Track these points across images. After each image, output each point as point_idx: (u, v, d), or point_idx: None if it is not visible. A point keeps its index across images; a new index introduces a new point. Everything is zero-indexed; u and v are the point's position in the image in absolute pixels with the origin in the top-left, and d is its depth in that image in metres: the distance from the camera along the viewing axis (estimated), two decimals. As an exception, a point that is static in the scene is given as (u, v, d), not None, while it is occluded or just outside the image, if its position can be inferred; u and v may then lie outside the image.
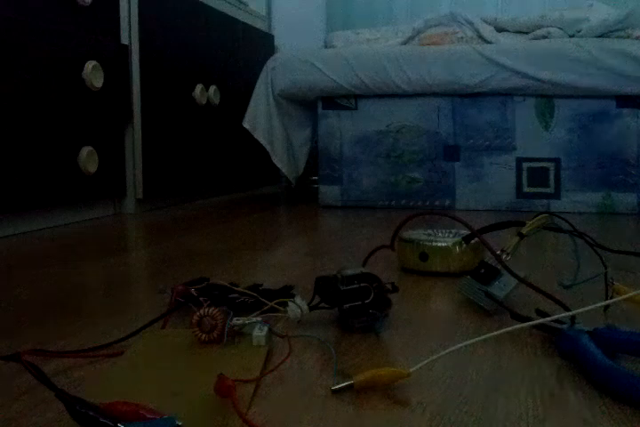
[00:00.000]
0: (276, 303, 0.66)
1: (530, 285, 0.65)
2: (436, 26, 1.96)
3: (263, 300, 0.67)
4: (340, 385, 0.47)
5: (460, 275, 0.84)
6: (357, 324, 0.61)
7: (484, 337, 0.46)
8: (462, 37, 1.89)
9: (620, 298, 0.46)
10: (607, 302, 0.44)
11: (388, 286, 0.63)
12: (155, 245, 1.22)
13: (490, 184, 1.76)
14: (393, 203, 1.83)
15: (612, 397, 0.46)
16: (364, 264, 0.81)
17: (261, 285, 0.74)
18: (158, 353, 0.55)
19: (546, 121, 1.73)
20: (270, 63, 1.89)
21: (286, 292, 0.72)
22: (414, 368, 0.47)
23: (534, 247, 1.10)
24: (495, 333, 0.45)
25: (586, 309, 0.43)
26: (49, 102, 1.36)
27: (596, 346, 0.49)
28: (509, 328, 0.45)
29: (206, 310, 0.56)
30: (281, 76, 1.87)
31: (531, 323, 0.51)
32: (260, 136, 1.91)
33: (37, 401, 0.46)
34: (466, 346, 0.46)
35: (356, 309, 0.61)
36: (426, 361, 0.47)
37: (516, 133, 1.74)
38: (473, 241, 0.88)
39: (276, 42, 2.57)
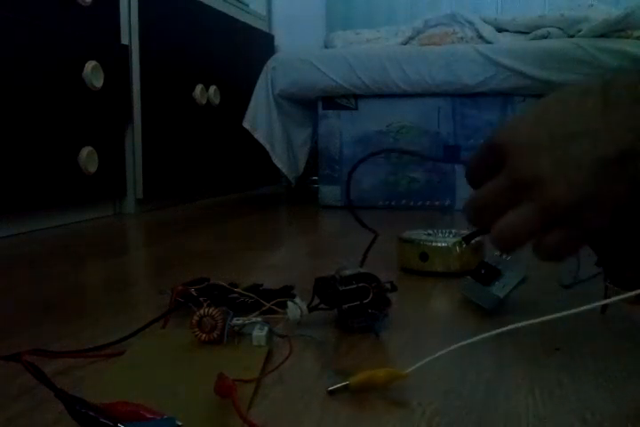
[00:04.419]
0: (276, 304, 0.66)
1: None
2: (435, 26, 1.96)
3: (262, 301, 0.66)
4: (335, 386, 0.47)
5: (460, 275, 0.84)
6: (357, 324, 0.61)
7: (480, 337, 0.46)
8: (462, 37, 1.89)
9: (616, 298, 0.46)
10: (602, 302, 0.44)
11: (387, 286, 0.63)
12: (155, 245, 1.22)
13: (490, 184, 1.76)
14: (393, 203, 1.83)
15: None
16: (361, 264, 0.80)
17: (261, 285, 0.74)
18: (158, 353, 0.55)
19: (546, 121, 1.73)
20: (270, 63, 1.89)
21: (286, 292, 0.72)
22: (411, 369, 0.47)
23: (534, 247, 1.10)
24: (493, 332, 0.45)
25: (582, 309, 0.43)
26: (49, 102, 1.36)
27: None
28: (508, 327, 0.45)
29: (206, 310, 0.56)
30: (281, 76, 1.86)
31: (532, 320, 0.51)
32: (260, 136, 1.91)
33: (37, 401, 0.46)
34: (466, 345, 0.46)
35: (355, 309, 0.61)
36: (423, 362, 0.46)
37: (515, 133, 1.74)
38: (473, 241, 0.88)
39: (276, 42, 2.57)
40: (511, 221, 0.45)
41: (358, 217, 0.68)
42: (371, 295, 0.61)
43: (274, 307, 0.66)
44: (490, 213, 0.46)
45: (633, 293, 0.44)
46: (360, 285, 0.61)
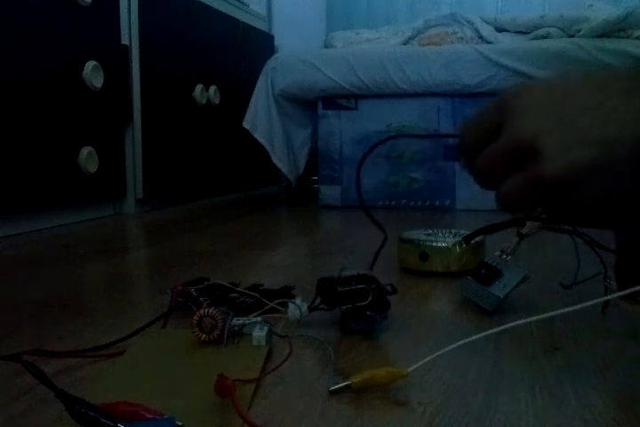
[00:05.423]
0: (276, 304, 0.67)
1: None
2: (435, 26, 1.96)
3: (264, 300, 0.67)
4: (337, 386, 0.47)
5: (460, 275, 0.84)
6: (355, 325, 0.61)
7: (480, 335, 0.46)
8: (462, 37, 1.89)
9: (614, 295, 0.46)
10: (596, 300, 0.44)
11: (388, 288, 0.63)
12: (155, 245, 1.22)
13: (490, 184, 1.75)
14: (393, 203, 1.83)
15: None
16: (371, 267, 0.80)
17: (262, 285, 0.74)
18: (158, 353, 0.55)
19: (546, 121, 1.73)
20: (270, 63, 1.89)
21: (286, 292, 0.72)
22: (412, 368, 0.47)
23: (534, 247, 1.10)
24: (494, 330, 0.45)
25: (580, 306, 0.43)
26: (49, 102, 1.36)
27: None
28: (506, 326, 0.45)
29: (206, 310, 0.56)
30: (281, 76, 1.87)
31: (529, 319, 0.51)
32: (260, 136, 1.91)
33: (37, 401, 0.46)
34: (466, 345, 0.46)
35: (354, 310, 0.60)
36: (424, 361, 0.47)
37: (515, 133, 1.74)
38: (473, 241, 0.88)
39: (276, 42, 2.57)
40: (506, 191, 0.43)
41: (372, 216, 0.67)
42: (370, 297, 0.60)
43: (275, 306, 0.66)
44: (492, 179, 0.44)
45: (631, 289, 0.44)
46: (359, 286, 0.61)
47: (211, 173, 2.03)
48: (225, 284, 0.71)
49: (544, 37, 1.80)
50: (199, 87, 1.91)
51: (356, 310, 0.60)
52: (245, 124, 1.91)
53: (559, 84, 0.43)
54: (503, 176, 0.43)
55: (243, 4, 2.32)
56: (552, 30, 1.79)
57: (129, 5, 1.63)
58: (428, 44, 1.87)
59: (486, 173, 0.45)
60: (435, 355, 0.47)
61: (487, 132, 0.44)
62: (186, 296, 0.66)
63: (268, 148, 1.92)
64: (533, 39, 1.81)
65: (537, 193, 0.41)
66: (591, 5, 1.86)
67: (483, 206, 1.76)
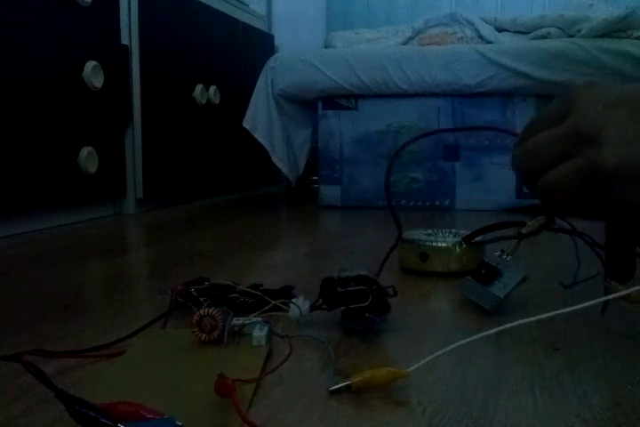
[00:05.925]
0: (277, 303, 0.66)
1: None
2: (435, 26, 1.96)
3: (267, 298, 0.66)
4: (337, 386, 0.47)
5: (460, 275, 0.84)
6: (354, 327, 0.61)
7: (480, 335, 0.46)
8: (462, 37, 1.89)
9: (613, 296, 0.46)
10: (596, 300, 0.44)
11: (389, 291, 0.63)
12: (155, 245, 1.22)
13: (490, 184, 1.76)
14: (393, 203, 1.83)
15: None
16: (378, 272, 0.79)
17: (262, 285, 0.74)
18: (158, 353, 0.55)
19: (546, 121, 1.73)
20: (270, 63, 1.89)
21: (286, 292, 0.72)
22: (412, 368, 0.47)
23: (534, 247, 1.10)
24: (494, 330, 0.45)
25: (580, 306, 0.43)
26: (49, 102, 1.36)
27: None
28: (506, 326, 0.45)
29: (206, 310, 0.56)
30: (281, 76, 1.87)
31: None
32: (259, 136, 1.91)
33: (37, 401, 0.46)
34: (466, 345, 0.46)
35: (353, 311, 0.60)
36: (424, 361, 0.47)
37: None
38: (473, 241, 0.88)
39: (276, 42, 2.57)
40: (554, 175, 0.42)
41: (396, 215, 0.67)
42: (370, 299, 0.60)
43: (278, 304, 0.66)
44: (538, 163, 0.43)
45: (630, 290, 0.44)
46: (359, 287, 0.60)
47: (211, 173, 2.03)
48: (226, 283, 0.71)
49: (544, 37, 1.80)
50: (199, 87, 1.91)
51: (356, 311, 0.60)
52: (245, 124, 1.91)
53: (626, 86, 0.43)
54: (552, 163, 0.43)
55: (242, 3, 2.32)
56: (552, 30, 1.79)
57: (129, 5, 1.63)
58: (428, 44, 1.87)
59: (537, 155, 0.44)
60: (435, 355, 0.47)
61: (551, 122, 0.44)
62: (186, 296, 0.66)
63: (268, 148, 1.92)
64: (533, 39, 1.81)
65: (586, 180, 0.41)
66: (591, 5, 1.86)
67: (483, 206, 1.77)
